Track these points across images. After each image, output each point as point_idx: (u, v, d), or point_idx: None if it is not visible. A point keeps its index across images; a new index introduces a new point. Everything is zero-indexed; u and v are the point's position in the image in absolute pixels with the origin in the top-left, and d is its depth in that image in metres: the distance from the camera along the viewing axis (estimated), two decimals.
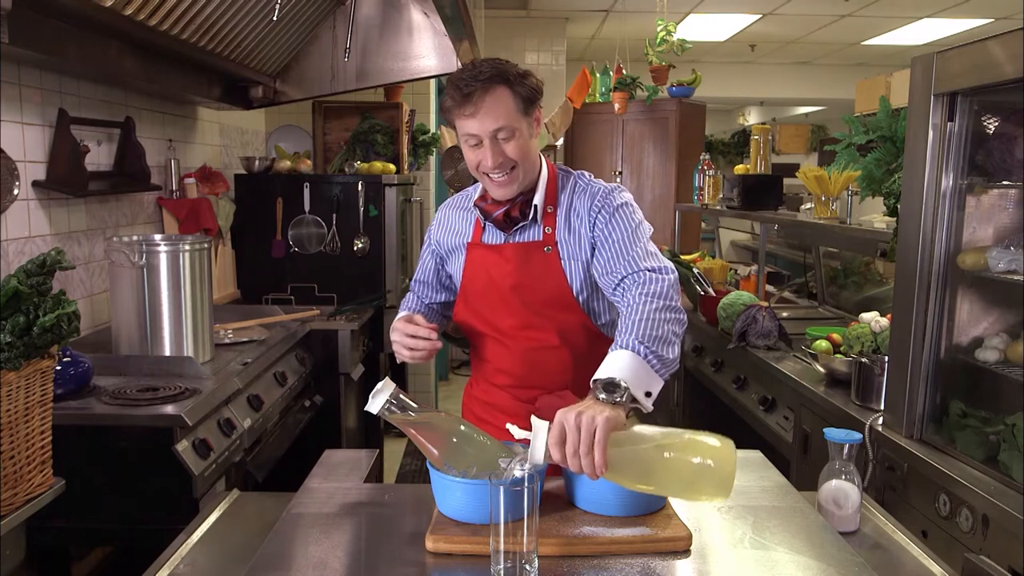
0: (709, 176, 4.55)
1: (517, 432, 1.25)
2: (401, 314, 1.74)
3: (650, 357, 1.38)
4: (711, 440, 1.21)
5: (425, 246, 1.86)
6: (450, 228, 1.79)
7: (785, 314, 3.47)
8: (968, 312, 1.95)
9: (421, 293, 1.88)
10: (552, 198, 1.67)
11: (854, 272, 3.75)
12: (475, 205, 1.71)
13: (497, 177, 1.59)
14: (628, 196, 1.68)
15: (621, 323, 1.46)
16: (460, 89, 1.52)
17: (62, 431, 1.60)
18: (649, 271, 1.54)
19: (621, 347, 1.39)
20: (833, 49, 8.23)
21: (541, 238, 1.66)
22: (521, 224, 1.67)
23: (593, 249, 1.65)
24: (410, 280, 1.91)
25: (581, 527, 1.22)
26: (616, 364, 1.36)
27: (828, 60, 8.90)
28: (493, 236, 1.71)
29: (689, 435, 1.23)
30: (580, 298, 1.67)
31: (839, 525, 1.37)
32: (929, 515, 1.82)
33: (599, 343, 1.65)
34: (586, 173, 1.73)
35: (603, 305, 1.72)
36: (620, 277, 1.57)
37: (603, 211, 1.63)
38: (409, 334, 1.60)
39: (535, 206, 1.65)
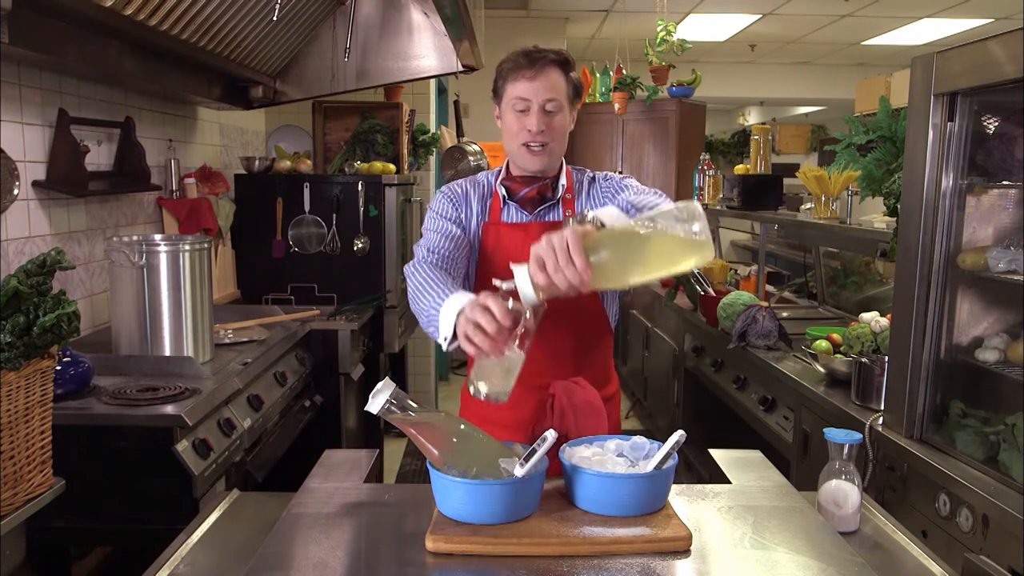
0: (709, 176, 4.55)
1: (506, 283, 1.31)
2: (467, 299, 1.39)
3: (634, 214, 1.45)
4: (677, 209, 1.26)
5: (437, 218, 1.74)
6: (467, 205, 1.76)
7: (785, 314, 3.47)
8: (968, 312, 1.95)
9: (439, 248, 1.67)
10: (570, 186, 1.77)
11: (854, 272, 3.75)
12: (501, 183, 1.76)
13: (534, 147, 1.68)
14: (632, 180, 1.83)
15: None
16: (528, 55, 1.66)
17: (62, 431, 1.59)
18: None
19: (611, 204, 1.51)
20: (833, 49, 8.24)
21: (563, 219, 1.74)
22: (546, 204, 1.74)
23: None
24: None
25: (581, 527, 1.22)
26: (601, 209, 1.42)
27: (828, 60, 8.90)
28: (515, 215, 1.75)
29: (654, 213, 1.28)
30: None
31: (839, 525, 1.37)
32: (929, 515, 1.83)
33: (606, 333, 1.81)
34: (595, 171, 1.87)
35: (613, 293, 1.82)
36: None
37: (613, 190, 1.77)
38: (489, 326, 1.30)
39: (561, 185, 1.75)
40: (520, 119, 1.67)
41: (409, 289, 1.64)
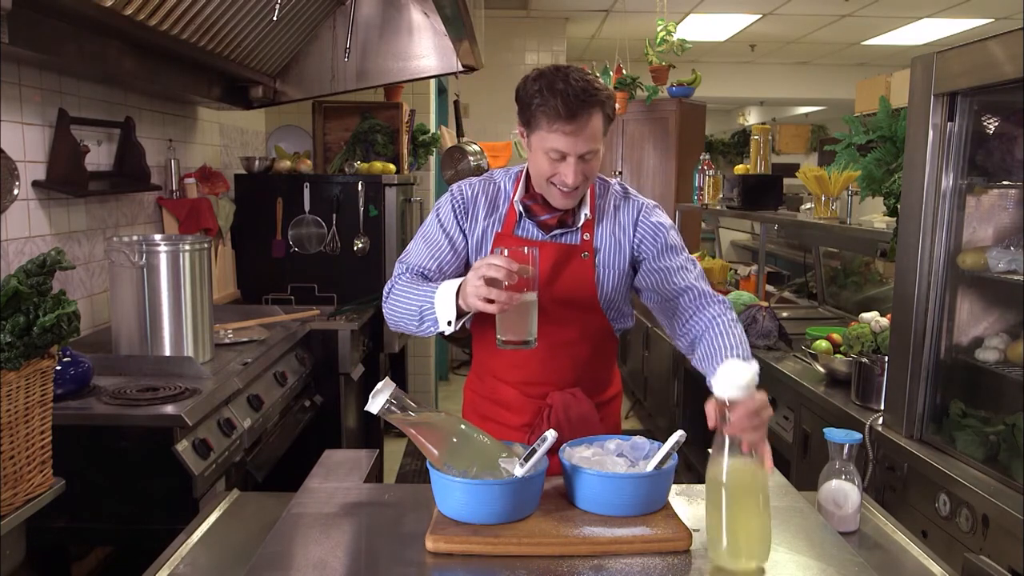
0: (709, 176, 4.55)
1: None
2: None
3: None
4: (769, 534, 1.18)
5: (435, 228, 1.72)
6: (473, 215, 1.71)
7: (785, 314, 3.47)
8: (968, 312, 1.95)
9: (422, 267, 1.70)
10: (592, 206, 1.69)
11: (854, 272, 3.75)
12: (521, 202, 1.68)
13: (567, 191, 1.59)
14: (667, 216, 1.76)
15: (720, 339, 1.53)
16: (568, 106, 1.50)
17: (62, 431, 1.59)
18: (708, 292, 1.66)
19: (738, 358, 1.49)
20: (833, 49, 8.23)
21: (579, 243, 1.69)
22: (564, 229, 1.69)
23: (632, 260, 1.70)
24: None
25: (581, 527, 1.22)
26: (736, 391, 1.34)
27: (828, 60, 8.90)
28: (529, 231, 1.69)
29: (769, 515, 1.20)
30: (603, 302, 1.70)
31: (839, 525, 1.37)
32: (929, 515, 1.83)
33: (609, 342, 1.78)
34: (622, 183, 1.77)
35: (625, 309, 1.77)
36: (677, 293, 1.66)
37: (648, 229, 1.70)
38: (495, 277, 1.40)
39: (584, 215, 1.68)
40: (554, 165, 1.56)
41: (388, 306, 1.67)
